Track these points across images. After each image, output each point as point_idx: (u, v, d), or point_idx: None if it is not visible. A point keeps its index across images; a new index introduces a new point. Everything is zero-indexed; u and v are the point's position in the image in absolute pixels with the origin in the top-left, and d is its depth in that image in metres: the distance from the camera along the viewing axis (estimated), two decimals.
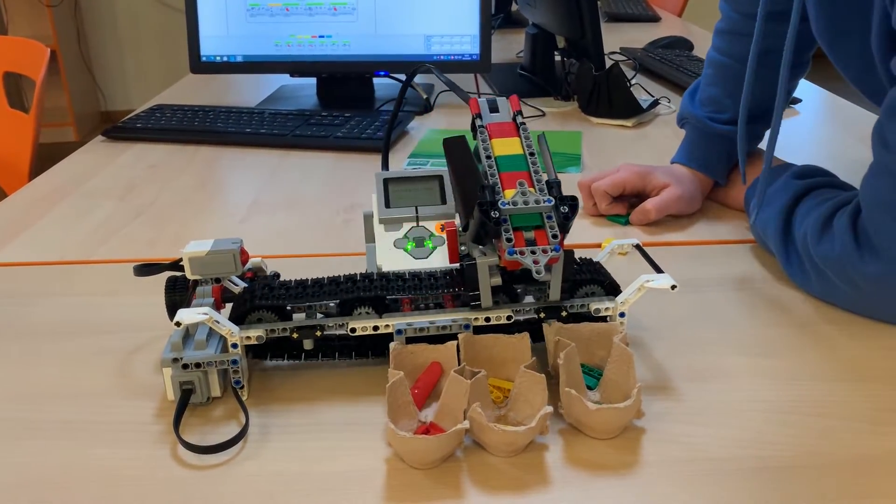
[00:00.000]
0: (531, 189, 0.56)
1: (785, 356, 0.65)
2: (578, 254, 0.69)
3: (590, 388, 0.59)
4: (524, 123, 0.61)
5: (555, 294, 0.61)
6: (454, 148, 0.61)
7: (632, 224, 0.92)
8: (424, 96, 1.43)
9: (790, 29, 0.69)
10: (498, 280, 0.60)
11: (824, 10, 0.70)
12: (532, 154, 0.59)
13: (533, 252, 0.54)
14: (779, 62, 0.71)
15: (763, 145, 0.88)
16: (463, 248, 0.61)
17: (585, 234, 0.89)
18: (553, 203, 0.56)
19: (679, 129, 1.01)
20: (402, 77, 1.50)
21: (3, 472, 0.53)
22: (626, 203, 0.94)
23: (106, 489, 0.52)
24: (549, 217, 0.56)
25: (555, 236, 0.55)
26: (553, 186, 0.57)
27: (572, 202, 0.56)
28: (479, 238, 0.58)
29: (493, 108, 0.63)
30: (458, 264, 0.62)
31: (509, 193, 0.56)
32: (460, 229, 0.62)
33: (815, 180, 0.76)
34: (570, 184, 1.04)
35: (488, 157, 0.59)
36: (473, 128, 0.62)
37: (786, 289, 0.75)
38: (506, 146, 0.59)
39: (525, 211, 0.56)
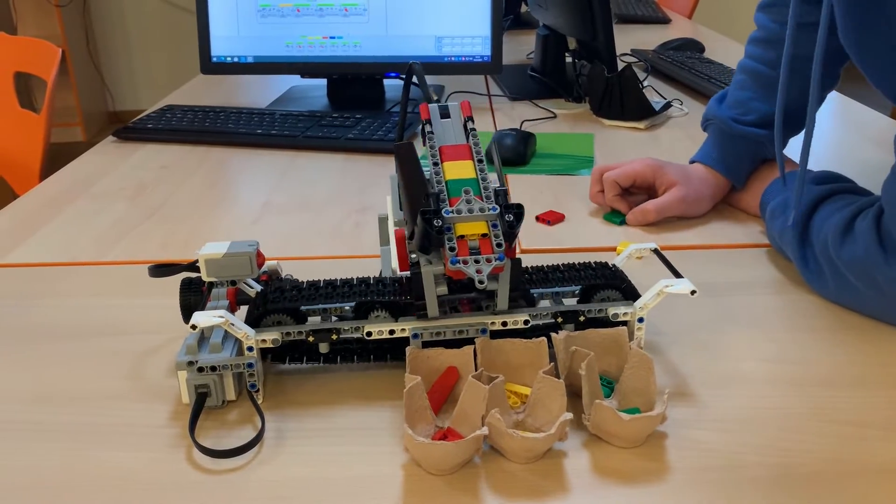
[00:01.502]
0: (477, 197, 0.56)
1: (804, 362, 0.64)
2: (593, 258, 0.69)
3: (605, 397, 0.59)
4: (474, 129, 0.60)
5: (502, 304, 0.59)
6: (403, 154, 0.59)
7: (628, 224, 0.91)
8: (434, 97, 1.43)
9: (819, 39, 0.68)
10: (444, 289, 0.58)
11: (850, 10, 0.69)
12: (482, 161, 0.58)
13: (476, 261, 0.54)
14: (810, 69, 0.70)
15: (790, 153, 0.87)
16: (413, 255, 0.59)
17: (601, 239, 0.89)
18: (498, 211, 0.55)
19: (692, 134, 1.01)
20: (414, 79, 1.49)
21: (16, 475, 0.53)
22: (629, 201, 0.93)
23: (120, 493, 0.51)
24: (495, 225, 0.55)
25: (499, 245, 0.54)
26: (499, 194, 0.56)
27: (517, 210, 0.55)
28: (424, 246, 0.57)
29: (445, 114, 0.62)
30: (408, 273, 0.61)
31: (456, 201, 0.55)
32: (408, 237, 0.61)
33: (833, 186, 0.76)
34: (583, 186, 1.04)
35: (436, 164, 0.58)
36: (423, 134, 0.61)
37: (804, 293, 0.74)
38: (458, 169, 0.58)
39: (469, 219, 0.55)
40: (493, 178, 0.60)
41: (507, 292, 0.59)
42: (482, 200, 0.56)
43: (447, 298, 0.61)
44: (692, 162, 0.96)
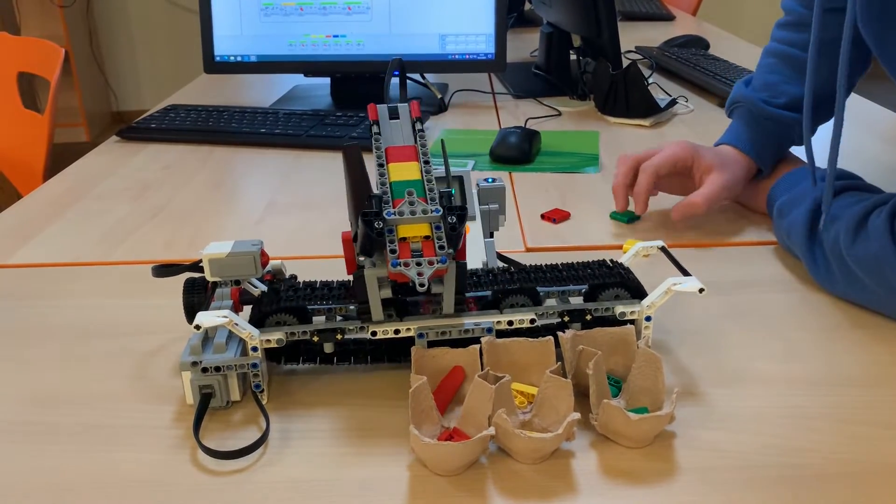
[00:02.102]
0: (421, 199, 0.55)
1: (814, 361, 0.63)
2: (600, 256, 0.68)
3: (613, 396, 0.58)
4: (422, 130, 0.60)
5: (448, 307, 0.58)
6: (348, 156, 0.58)
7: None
8: (439, 96, 1.42)
9: (846, 23, 0.66)
10: (388, 292, 0.58)
11: (872, 4, 0.68)
12: (428, 162, 0.58)
13: (418, 264, 0.53)
14: (838, 52, 0.67)
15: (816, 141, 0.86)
16: (362, 258, 0.58)
17: (607, 237, 0.88)
18: (441, 213, 0.54)
19: (698, 131, 1.00)
20: (417, 76, 1.49)
21: (20, 476, 0.53)
22: (628, 200, 0.90)
23: (124, 494, 0.51)
24: (438, 227, 0.54)
25: (441, 247, 0.54)
26: (444, 196, 0.56)
27: (461, 212, 0.54)
28: (366, 249, 0.56)
29: (394, 115, 0.61)
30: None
31: (400, 203, 0.55)
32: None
33: (843, 183, 0.75)
34: (588, 184, 1.03)
35: (381, 166, 0.57)
36: (371, 134, 0.60)
37: (814, 292, 0.74)
38: (403, 171, 0.58)
39: (411, 221, 0.54)
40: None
41: (452, 295, 0.58)
42: (426, 202, 0.55)
43: (407, 301, 0.60)
44: (718, 145, 0.93)
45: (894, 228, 0.65)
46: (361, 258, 0.57)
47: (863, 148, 1.16)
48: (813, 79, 0.74)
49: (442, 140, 0.59)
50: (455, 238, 0.54)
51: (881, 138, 1.20)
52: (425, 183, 0.57)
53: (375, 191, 0.56)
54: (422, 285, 0.52)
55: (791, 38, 0.90)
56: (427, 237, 0.54)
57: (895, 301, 0.67)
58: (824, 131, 0.77)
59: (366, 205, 0.55)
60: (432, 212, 0.54)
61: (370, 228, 0.53)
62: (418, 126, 0.60)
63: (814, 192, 0.75)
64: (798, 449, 0.53)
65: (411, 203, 0.55)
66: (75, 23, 3.93)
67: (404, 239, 0.54)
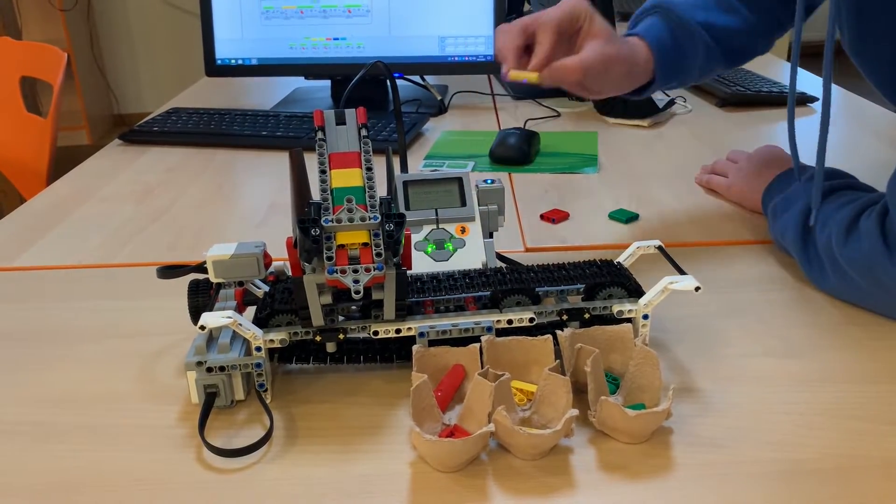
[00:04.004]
0: (360, 206, 0.55)
1: (811, 358, 0.64)
2: (599, 256, 0.69)
3: (610, 393, 0.59)
4: (367, 137, 0.60)
5: (388, 314, 0.59)
6: (293, 161, 0.59)
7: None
8: (439, 97, 1.43)
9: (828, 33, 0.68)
10: (328, 298, 0.58)
11: (853, 19, 0.69)
12: (370, 169, 0.58)
13: (355, 271, 0.54)
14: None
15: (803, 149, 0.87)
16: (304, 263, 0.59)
17: (605, 237, 0.89)
18: (379, 220, 0.55)
19: (696, 132, 1.00)
20: (417, 79, 1.50)
21: (26, 476, 0.54)
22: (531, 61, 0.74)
23: (130, 493, 0.52)
24: (377, 234, 0.55)
25: (379, 254, 0.54)
26: (384, 203, 0.56)
27: (398, 219, 0.55)
28: (305, 255, 0.56)
29: (340, 121, 0.62)
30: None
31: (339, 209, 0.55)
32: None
33: (835, 182, 0.76)
34: (587, 184, 1.04)
35: (323, 172, 0.58)
36: (315, 140, 0.61)
37: (808, 290, 0.75)
38: (346, 177, 0.58)
39: (349, 228, 0.55)
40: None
41: (392, 302, 0.58)
42: (366, 209, 0.55)
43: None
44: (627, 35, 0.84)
45: (884, 229, 0.66)
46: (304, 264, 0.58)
47: (860, 147, 1.17)
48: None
49: (388, 147, 0.59)
50: (393, 245, 0.55)
51: (875, 135, 1.20)
52: (367, 189, 0.57)
53: (315, 197, 0.57)
54: (357, 292, 0.53)
55: None
56: (365, 244, 0.55)
57: (888, 300, 0.67)
58: (800, 134, 0.77)
59: (304, 211, 0.55)
60: (370, 219, 0.55)
61: (306, 235, 0.54)
62: (363, 132, 0.60)
63: (807, 193, 0.76)
64: (794, 445, 0.54)
65: (350, 210, 0.55)
66: (76, 26, 3.94)
67: (342, 246, 0.55)
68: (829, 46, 0.68)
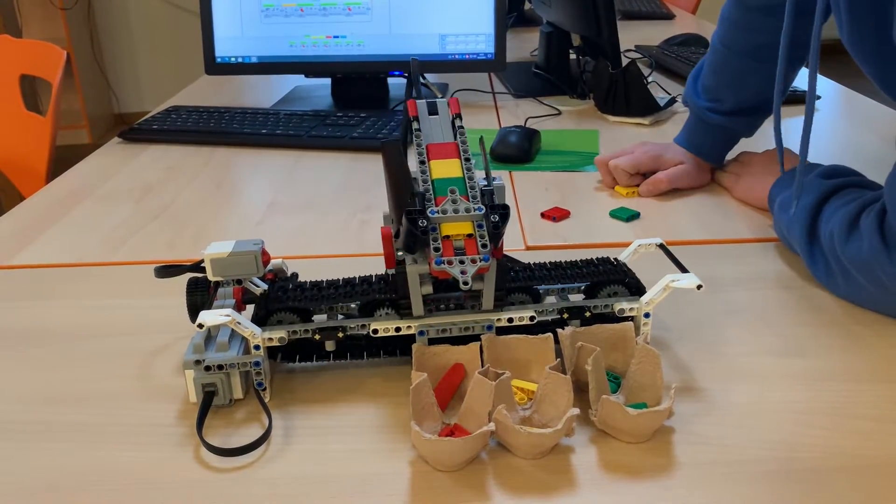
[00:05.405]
0: (463, 197, 0.55)
1: (813, 356, 0.64)
2: (600, 254, 0.69)
3: (612, 392, 0.58)
4: (462, 127, 0.60)
5: (487, 304, 0.59)
6: (389, 153, 0.59)
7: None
8: (439, 96, 1.43)
9: (784, 26, 0.71)
10: (429, 289, 0.58)
11: (847, 13, 0.69)
12: (468, 160, 0.58)
13: (461, 262, 0.53)
14: (775, 56, 0.74)
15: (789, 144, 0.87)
16: (400, 253, 0.59)
17: (607, 235, 0.89)
18: (483, 212, 0.55)
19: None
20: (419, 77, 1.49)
21: (24, 475, 0.53)
22: (640, 177, 1.00)
23: (128, 492, 0.51)
24: (480, 226, 0.55)
25: (484, 245, 0.54)
26: (486, 194, 0.56)
27: (503, 211, 0.55)
28: (410, 246, 0.56)
29: (433, 111, 0.62)
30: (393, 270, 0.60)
31: (442, 201, 0.55)
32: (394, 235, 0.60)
33: (842, 180, 0.75)
34: (588, 183, 1.04)
35: (422, 163, 0.58)
36: (411, 130, 0.61)
37: (812, 288, 0.74)
38: (445, 168, 0.58)
39: (454, 220, 0.55)
40: (480, 174, 0.59)
41: (492, 292, 0.58)
42: (468, 200, 0.55)
43: (441, 297, 0.60)
44: (675, 142, 1.03)
45: (883, 227, 0.65)
46: (400, 254, 0.58)
47: (861, 145, 1.17)
48: (783, 78, 0.79)
49: (481, 137, 0.59)
50: (497, 237, 0.55)
51: (876, 133, 1.20)
52: (467, 181, 0.57)
53: (417, 188, 0.57)
54: (465, 283, 0.53)
55: (727, 38, 0.95)
56: (469, 235, 0.55)
57: (888, 300, 0.67)
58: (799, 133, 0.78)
59: (409, 202, 0.55)
60: (475, 210, 0.55)
61: (415, 226, 0.54)
62: (458, 122, 0.60)
63: (815, 189, 0.75)
64: (797, 444, 0.54)
65: (454, 201, 0.55)
66: (77, 25, 3.94)
67: (447, 237, 0.55)
68: (815, 43, 0.68)
